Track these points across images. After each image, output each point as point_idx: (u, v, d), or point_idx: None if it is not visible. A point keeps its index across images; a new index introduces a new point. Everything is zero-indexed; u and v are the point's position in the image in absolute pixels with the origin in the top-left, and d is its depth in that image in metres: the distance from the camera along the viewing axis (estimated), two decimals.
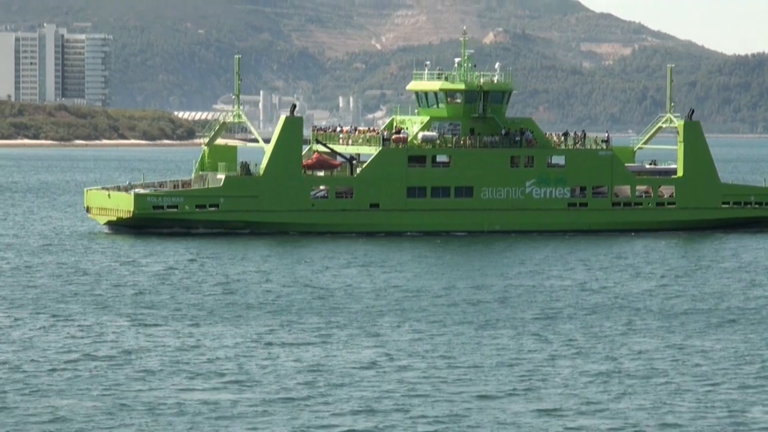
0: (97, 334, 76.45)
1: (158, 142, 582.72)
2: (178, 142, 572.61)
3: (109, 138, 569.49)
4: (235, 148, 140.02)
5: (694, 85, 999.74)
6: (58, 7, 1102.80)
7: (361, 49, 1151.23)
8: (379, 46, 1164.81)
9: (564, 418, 56.31)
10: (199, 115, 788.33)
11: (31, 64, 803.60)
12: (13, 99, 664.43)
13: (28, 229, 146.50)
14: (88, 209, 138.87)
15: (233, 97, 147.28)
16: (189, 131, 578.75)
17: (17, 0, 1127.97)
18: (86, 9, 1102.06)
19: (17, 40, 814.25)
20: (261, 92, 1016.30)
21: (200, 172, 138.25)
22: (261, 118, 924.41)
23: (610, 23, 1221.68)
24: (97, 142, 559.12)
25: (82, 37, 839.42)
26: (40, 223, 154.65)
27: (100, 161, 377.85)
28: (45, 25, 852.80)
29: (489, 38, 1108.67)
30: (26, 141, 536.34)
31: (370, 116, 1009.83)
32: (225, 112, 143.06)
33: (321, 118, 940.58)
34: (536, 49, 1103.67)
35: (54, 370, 65.26)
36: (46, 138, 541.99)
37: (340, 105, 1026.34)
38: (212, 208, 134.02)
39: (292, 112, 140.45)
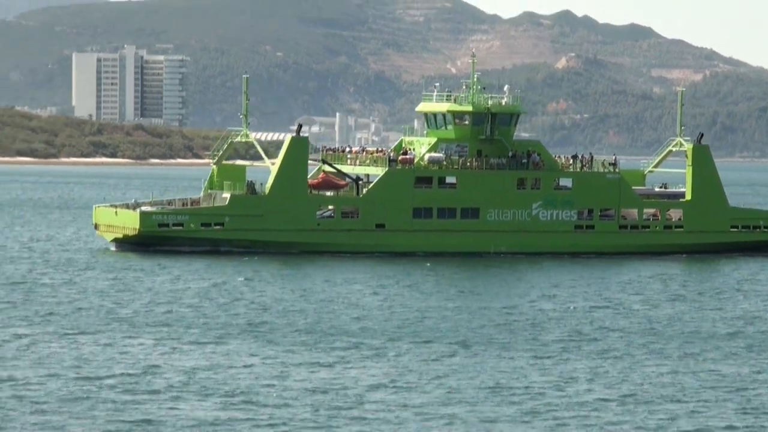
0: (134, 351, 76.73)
1: (230, 162, 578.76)
2: (248, 162, 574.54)
3: (183, 157, 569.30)
4: (243, 167, 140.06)
5: (765, 111, 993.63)
6: (142, 29, 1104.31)
7: (437, 73, 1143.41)
8: (454, 70, 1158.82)
9: None
10: (275, 136, 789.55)
11: (111, 84, 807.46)
12: (94, 118, 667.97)
13: (35, 244, 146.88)
14: (96, 226, 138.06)
15: (241, 116, 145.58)
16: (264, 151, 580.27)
17: (103, 22, 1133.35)
18: (169, 31, 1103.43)
19: (99, 61, 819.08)
20: (337, 114, 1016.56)
21: (209, 191, 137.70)
22: (337, 139, 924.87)
23: (682, 49, 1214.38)
24: (171, 161, 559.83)
25: (161, 58, 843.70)
26: (44, 240, 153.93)
27: (168, 179, 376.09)
28: (125, 46, 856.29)
29: (561, 63, 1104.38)
30: (104, 159, 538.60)
31: None
32: (234, 131, 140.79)
33: (395, 140, 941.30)
34: (607, 74, 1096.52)
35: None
36: (123, 156, 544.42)
37: (416, 127, 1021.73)
38: (217, 227, 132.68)
39: (298, 132, 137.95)
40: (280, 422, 57.95)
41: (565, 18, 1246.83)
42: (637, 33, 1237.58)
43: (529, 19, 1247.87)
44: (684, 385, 69.07)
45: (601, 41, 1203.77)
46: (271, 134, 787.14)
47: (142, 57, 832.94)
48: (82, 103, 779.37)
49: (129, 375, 68.43)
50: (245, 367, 71.04)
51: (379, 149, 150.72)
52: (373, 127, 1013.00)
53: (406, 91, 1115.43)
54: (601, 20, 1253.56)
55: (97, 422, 57.16)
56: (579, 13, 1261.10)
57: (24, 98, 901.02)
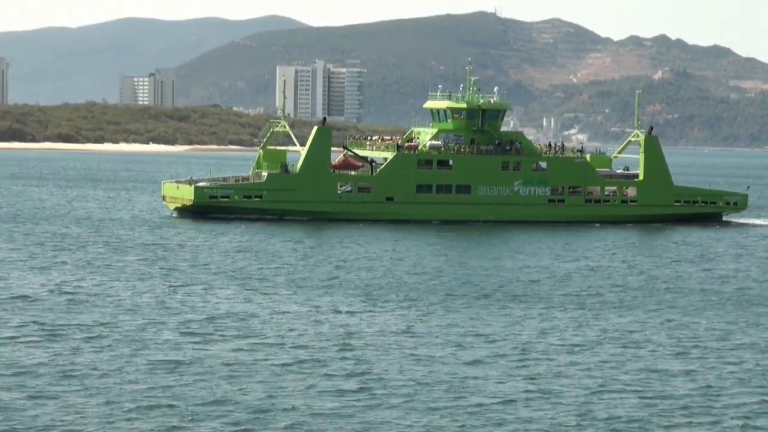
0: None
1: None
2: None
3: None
4: (284, 151, 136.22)
5: None
6: (335, 48, 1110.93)
7: (561, 82, 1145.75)
8: (575, 80, 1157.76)
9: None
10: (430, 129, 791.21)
11: (305, 90, 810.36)
12: (292, 116, 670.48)
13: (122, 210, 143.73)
14: (163, 198, 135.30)
15: (279, 111, 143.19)
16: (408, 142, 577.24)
17: (306, 42, 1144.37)
18: (357, 49, 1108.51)
19: (296, 72, 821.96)
20: None
21: (255, 170, 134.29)
22: None
23: (754, 65, 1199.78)
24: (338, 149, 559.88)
25: (344, 70, 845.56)
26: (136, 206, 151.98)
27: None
28: (316, 61, 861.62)
29: (658, 75, 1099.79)
30: (292, 148, 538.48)
31: (566, 132, 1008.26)
32: (275, 122, 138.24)
33: (529, 134, 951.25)
34: (694, 84, 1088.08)
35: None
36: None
37: (544, 124, 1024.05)
38: (257, 199, 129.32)
39: (323, 123, 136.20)
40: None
41: (662, 40, 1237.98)
42: (719, 52, 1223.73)
43: (634, 41, 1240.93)
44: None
45: (690, 58, 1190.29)
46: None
47: (329, 69, 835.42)
48: (286, 102, 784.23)
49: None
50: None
51: (391, 137, 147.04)
52: (511, 123, 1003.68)
53: (537, 96, 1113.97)
54: (690, 42, 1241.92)
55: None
56: (673, 37, 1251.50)
57: (246, 101, 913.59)
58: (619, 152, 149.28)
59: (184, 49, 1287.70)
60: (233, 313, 67.74)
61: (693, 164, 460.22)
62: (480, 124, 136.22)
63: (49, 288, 75.41)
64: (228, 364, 53.19)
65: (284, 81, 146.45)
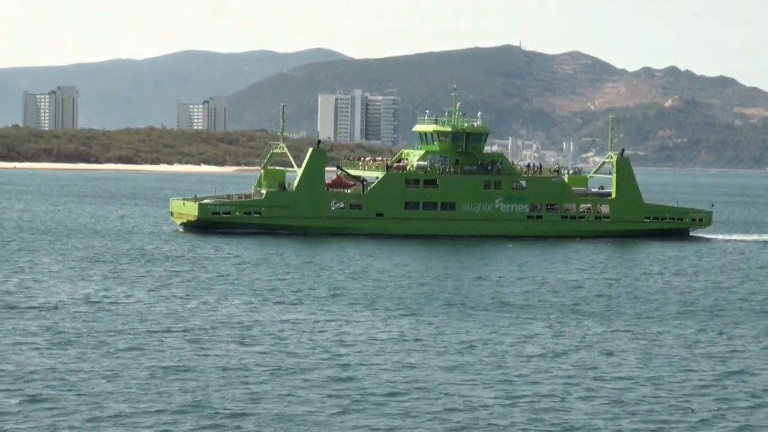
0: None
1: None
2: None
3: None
4: (283, 171, 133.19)
5: None
6: (374, 78, 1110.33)
7: (580, 109, 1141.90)
8: (592, 107, 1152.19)
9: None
10: None
11: (345, 116, 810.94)
12: (332, 140, 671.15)
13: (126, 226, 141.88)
14: (171, 213, 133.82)
15: (279, 137, 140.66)
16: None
17: (347, 71, 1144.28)
18: (394, 79, 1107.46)
19: (336, 100, 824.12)
20: (510, 138, 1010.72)
21: (257, 188, 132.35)
22: (509, 156, 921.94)
23: (757, 94, 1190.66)
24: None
25: (380, 98, 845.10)
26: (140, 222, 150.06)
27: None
28: (355, 90, 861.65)
29: (668, 103, 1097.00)
30: (329, 169, 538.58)
31: (584, 155, 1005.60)
32: (274, 145, 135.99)
33: (550, 157, 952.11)
34: (701, 111, 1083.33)
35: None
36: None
37: (564, 148, 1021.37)
38: (256, 215, 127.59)
39: (318, 145, 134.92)
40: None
41: (672, 71, 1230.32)
42: (724, 82, 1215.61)
43: (646, 72, 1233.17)
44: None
45: (698, 87, 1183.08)
46: None
47: (366, 97, 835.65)
48: (324, 129, 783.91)
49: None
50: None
51: (382, 158, 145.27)
52: (534, 147, 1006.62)
53: (558, 122, 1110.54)
54: (698, 72, 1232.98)
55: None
56: (682, 68, 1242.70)
57: (292, 126, 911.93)
58: (595, 172, 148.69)
59: (237, 79, 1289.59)
60: (236, 320, 66.65)
61: (690, 184, 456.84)
62: (464, 146, 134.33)
63: (62, 295, 74.76)
64: (249, 369, 52.32)
65: (283, 106, 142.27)
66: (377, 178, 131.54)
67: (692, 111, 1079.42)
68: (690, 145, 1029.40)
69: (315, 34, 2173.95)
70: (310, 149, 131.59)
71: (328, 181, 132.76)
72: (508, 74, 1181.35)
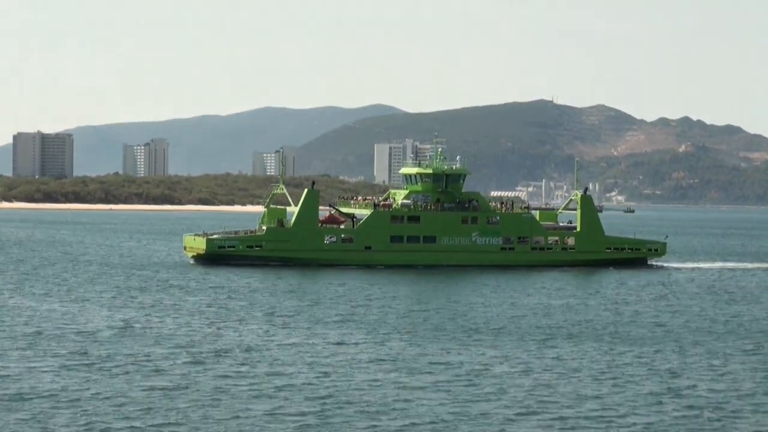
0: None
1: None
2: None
3: None
4: (284, 210, 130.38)
5: None
6: (426, 129, 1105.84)
7: (604, 155, 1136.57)
8: (615, 153, 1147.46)
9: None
10: (502, 193, 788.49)
11: (397, 162, 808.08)
12: (387, 183, 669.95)
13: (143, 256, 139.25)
14: (185, 248, 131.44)
15: (279, 176, 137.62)
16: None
17: (402, 123, 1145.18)
18: (442, 129, 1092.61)
19: (390, 148, 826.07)
20: (543, 180, 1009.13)
21: (261, 225, 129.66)
22: (543, 196, 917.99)
23: (761, 140, 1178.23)
24: None
25: (428, 146, 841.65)
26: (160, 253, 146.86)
27: None
28: (406, 139, 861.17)
29: (682, 148, 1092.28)
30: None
31: (608, 194, 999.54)
32: (275, 186, 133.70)
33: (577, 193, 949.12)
34: (711, 155, 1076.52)
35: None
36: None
37: (590, 188, 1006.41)
38: (257, 248, 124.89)
39: (312, 186, 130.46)
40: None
41: (686, 121, 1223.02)
42: (731, 129, 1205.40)
43: (663, 121, 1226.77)
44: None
45: (708, 135, 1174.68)
46: (503, 192, 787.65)
47: (416, 145, 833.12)
48: (379, 174, 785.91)
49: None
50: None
51: (372, 197, 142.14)
52: (564, 188, 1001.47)
53: (585, 166, 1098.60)
54: (708, 122, 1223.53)
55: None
56: (694, 118, 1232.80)
57: (354, 171, 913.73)
58: (563, 209, 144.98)
59: (308, 131, 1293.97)
60: (243, 343, 64.51)
61: (698, 218, 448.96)
62: (444, 186, 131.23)
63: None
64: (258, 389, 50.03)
65: (282, 153, 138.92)
66: (366, 215, 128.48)
67: (703, 155, 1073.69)
68: (701, 185, 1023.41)
69: (375, 91, 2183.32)
70: (306, 190, 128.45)
71: (322, 217, 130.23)
72: (542, 125, 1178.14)
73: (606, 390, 51.32)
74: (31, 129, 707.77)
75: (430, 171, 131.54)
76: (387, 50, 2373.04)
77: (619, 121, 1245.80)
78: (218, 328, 70.49)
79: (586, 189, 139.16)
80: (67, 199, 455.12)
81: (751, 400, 49.65)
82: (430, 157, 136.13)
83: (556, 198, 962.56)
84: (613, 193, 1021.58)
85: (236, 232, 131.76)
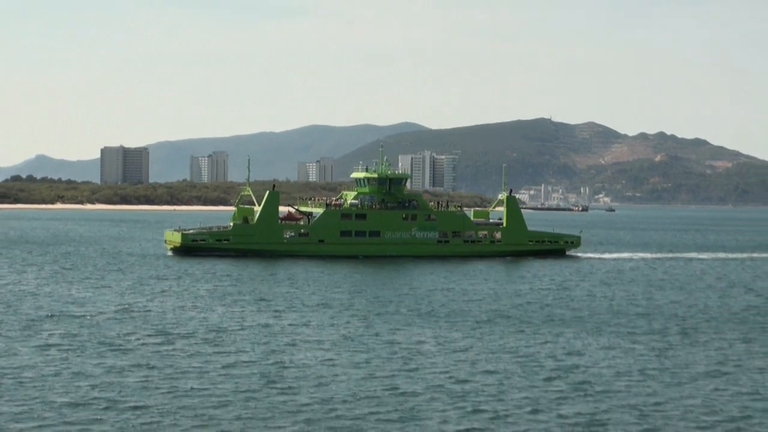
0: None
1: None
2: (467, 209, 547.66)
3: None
4: (251, 209, 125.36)
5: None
6: (445, 142, 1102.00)
7: (594, 164, 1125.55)
8: (603, 162, 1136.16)
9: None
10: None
11: (417, 170, 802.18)
12: (409, 188, 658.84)
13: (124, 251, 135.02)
14: (165, 241, 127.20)
15: (247, 184, 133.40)
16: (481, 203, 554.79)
17: (425, 138, 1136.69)
18: (459, 143, 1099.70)
19: (411, 159, 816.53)
20: (542, 185, 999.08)
21: (230, 222, 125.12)
22: (542, 197, 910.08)
23: (723, 151, 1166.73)
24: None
25: (443, 157, 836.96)
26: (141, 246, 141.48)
27: None
28: (425, 151, 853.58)
29: (658, 158, 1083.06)
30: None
31: (596, 197, 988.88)
32: (244, 188, 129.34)
33: (570, 198, 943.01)
34: (681, 164, 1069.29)
35: None
36: None
37: (581, 191, 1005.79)
38: (225, 242, 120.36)
39: (273, 188, 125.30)
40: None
41: (661, 135, 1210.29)
42: (699, 142, 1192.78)
43: (642, 135, 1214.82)
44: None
45: (679, 146, 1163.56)
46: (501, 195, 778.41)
47: (433, 156, 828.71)
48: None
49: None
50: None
51: (326, 198, 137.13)
52: (560, 191, 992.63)
53: (577, 173, 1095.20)
54: (679, 135, 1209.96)
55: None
56: (668, 132, 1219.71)
57: None
58: (493, 208, 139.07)
59: (347, 145, 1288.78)
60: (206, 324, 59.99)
61: (669, 216, 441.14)
62: (388, 189, 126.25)
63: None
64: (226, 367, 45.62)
65: (248, 162, 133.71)
66: (320, 213, 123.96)
67: (675, 164, 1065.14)
68: (673, 189, 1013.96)
69: (404, 111, 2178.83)
70: (267, 192, 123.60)
71: (282, 215, 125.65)
72: (541, 139, 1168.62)
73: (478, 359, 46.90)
74: (115, 144, 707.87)
75: (375, 176, 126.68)
76: (414, 77, 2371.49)
77: (606, 136, 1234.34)
78: (182, 309, 66.77)
79: (511, 190, 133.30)
80: (139, 201, 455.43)
81: (620, 371, 45.96)
82: (376, 163, 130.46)
83: (552, 199, 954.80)
84: (601, 195, 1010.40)
85: (210, 228, 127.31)
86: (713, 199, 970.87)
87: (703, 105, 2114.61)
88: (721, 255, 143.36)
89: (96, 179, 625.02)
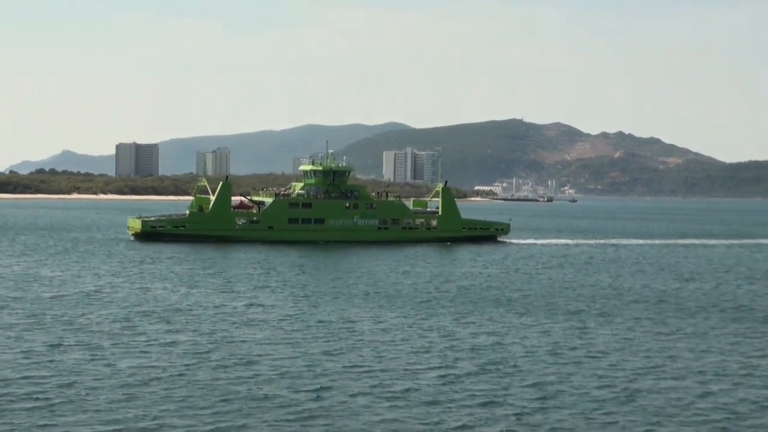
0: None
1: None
2: (457, 201, 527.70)
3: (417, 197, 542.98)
4: (208, 198, 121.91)
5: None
6: (428, 140, 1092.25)
7: (560, 160, 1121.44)
8: (568, 158, 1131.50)
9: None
10: (483, 187, 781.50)
11: (400, 164, 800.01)
12: (392, 180, 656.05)
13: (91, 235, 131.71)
14: (128, 227, 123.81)
15: (202, 174, 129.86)
16: (463, 195, 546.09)
17: (409, 135, 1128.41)
18: (440, 141, 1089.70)
19: (395, 154, 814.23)
20: (513, 178, 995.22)
21: (188, 210, 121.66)
22: (513, 189, 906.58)
23: (674, 149, 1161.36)
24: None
25: (423, 153, 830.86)
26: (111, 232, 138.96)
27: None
28: (407, 148, 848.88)
29: (617, 154, 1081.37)
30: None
31: (562, 189, 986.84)
32: (200, 179, 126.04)
33: (539, 190, 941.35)
34: (638, 160, 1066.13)
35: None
36: None
37: (549, 184, 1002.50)
38: (182, 228, 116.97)
39: (226, 179, 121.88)
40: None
41: (620, 134, 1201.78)
42: (653, 141, 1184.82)
43: (603, 135, 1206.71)
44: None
45: (636, 144, 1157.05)
46: (484, 186, 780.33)
47: (414, 152, 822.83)
48: (387, 173, 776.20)
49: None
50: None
51: (273, 189, 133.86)
52: (530, 184, 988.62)
53: (545, 168, 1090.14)
54: (636, 135, 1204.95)
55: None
56: (626, 132, 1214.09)
57: (371, 172, 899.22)
58: (431, 198, 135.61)
59: (339, 142, 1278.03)
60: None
61: (623, 207, 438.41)
62: (332, 180, 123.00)
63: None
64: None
65: (205, 158, 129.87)
66: (270, 202, 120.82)
67: (632, 160, 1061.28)
68: (630, 182, 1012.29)
69: (391, 111, 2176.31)
70: (221, 183, 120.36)
71: (235, 204, 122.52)
72: (513, 137, 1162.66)
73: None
74: (128, 140, 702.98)
75: (321, 168, 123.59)
76: (400, 82, 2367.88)
77: (571, 135, 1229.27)
78: (139, 288, 64.32)
79: (446, 182, 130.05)
80: (147, 192, 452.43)
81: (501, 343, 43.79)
82: (321, 156, 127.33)
83: (522, 191, 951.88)
84: (566, 188, 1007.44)
85: (169, 216, 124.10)
86: (665, 191, 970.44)
87: (657, 107, 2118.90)
88: (641, 241, 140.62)
89: (111, 172, 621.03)
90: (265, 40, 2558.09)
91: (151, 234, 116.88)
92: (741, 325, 53.07)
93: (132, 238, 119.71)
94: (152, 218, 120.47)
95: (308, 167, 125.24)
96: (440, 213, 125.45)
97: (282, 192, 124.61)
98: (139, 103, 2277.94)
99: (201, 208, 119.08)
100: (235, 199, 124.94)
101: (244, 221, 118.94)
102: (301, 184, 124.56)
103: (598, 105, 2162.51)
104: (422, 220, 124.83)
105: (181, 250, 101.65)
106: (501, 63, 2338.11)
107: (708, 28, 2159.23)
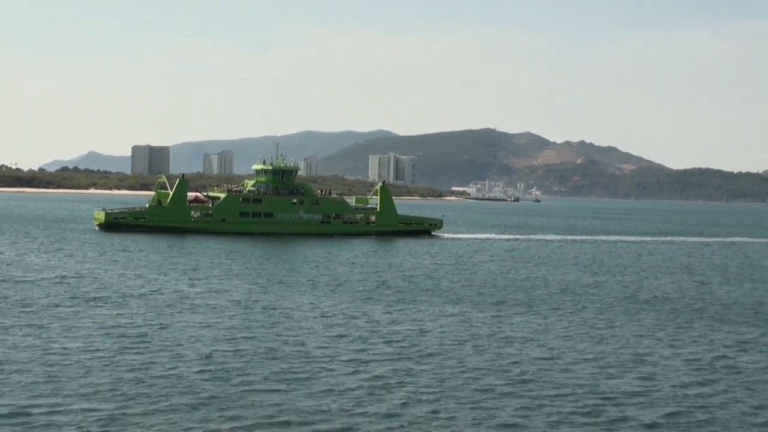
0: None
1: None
2: (434, 200, 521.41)
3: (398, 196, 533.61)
4: (167, 193, 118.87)
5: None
6: (410, 146, 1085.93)
7: (528, 165, 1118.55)
8: (535, 163, 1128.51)
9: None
10: (460, 188, 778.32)
11: (384, 167, 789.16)
12: (376, 180, 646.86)
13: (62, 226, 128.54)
14: (94, 218, 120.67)
15: (164, 175, 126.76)
16: (439, 195, 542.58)
17: (394, 142, 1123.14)
18: (422, 147, 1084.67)
19: (379, 158, 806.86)
20: (486, 180, 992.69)
21: (149, 204, 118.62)
22: (486, 190, 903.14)
23: (629, 157, 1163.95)
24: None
25: (404, 157, 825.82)
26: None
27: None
28: (390, 152, 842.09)
29: (579, 161, 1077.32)
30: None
31: (530, 190, 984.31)
32: (161, 176, 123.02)
33: (509, 191, 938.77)
34: (597, 166, 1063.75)
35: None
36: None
37: (518, 186, 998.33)
38: (142, 219, 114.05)
39: (182, 177, 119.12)
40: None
41: (582, 143, 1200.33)
42: (611, 149, 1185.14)
43: (567, 143, 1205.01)
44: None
45: (596, 152, 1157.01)
46: (461, 188, 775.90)
47: (396, 156, 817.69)
48: (372, 174, 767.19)
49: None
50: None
51: (227, 185, 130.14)
52: (501, 186, 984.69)
53: (515, 172, 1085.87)
54: (596, 144, 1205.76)
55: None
56: (588, 141, 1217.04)
57: (356, 173, 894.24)
58: (371, 195, 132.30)
59: (333, 147, 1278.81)
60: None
61: (584, 207, 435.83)
62: (281, 178, 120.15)
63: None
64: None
65: (165, 160, 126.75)
66: (223, 197, 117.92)
67: (592, 166, 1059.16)
68: (590, 185, 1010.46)
69: (379, 120, 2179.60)
70: (178, 180, 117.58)
71: (190, 198, 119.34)
72: (488, 144, 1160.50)
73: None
74: (144, 143, 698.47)
75: (270, 167, 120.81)
76: (389, 93, 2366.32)
77: (538, 143, 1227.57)
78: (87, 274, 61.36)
79: (384, 182, 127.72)
80: (155, 188, 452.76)
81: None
82: (272, 156, 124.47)
83: (494, 192, 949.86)
84: (533, 190, 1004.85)
85: (132, 208, 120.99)
86: (620, 194, 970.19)
87: (615, 119, 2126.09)
88: (569, 237, 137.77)
89: (127, 171, 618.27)
90: (267, 57, 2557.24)
91: (113, 225, 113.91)
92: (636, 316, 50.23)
93: (97, 228, 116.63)
94: (115, 210, 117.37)
95: (260, 166, 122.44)
96: (378, 209, 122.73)
97: (234, 188, 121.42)
98: (155, 110, 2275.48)
99: (160, 202, 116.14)
100: (191, 194, 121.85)
101: (199, 214, 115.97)
102: (252, 181, 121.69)
103: (563, 116, 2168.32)
104: (362, 215, 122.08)
105: (138, 240, 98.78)
106: (477, 78, 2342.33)
107: (656, 48, 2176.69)
